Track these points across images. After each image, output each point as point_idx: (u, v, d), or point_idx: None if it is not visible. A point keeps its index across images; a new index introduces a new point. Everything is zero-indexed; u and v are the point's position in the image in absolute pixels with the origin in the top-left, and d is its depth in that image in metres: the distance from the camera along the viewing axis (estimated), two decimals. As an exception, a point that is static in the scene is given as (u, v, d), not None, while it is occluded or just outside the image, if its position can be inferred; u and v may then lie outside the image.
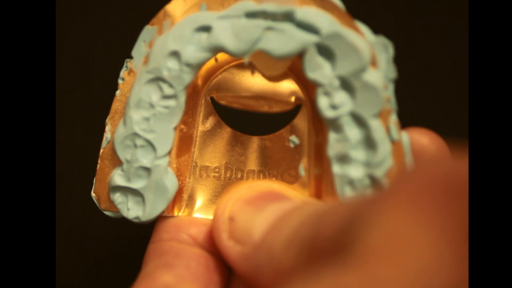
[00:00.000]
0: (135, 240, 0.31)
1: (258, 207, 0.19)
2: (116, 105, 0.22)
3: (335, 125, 0.20)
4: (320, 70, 0.20)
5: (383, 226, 0.13)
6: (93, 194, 0.22)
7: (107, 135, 0.22)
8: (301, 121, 0.22)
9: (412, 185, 0.14)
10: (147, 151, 0.21)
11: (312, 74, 0.20)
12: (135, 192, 0.21)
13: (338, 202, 0.18)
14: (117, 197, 0.21)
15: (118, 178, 0.21)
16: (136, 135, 0.21)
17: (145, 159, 0.21)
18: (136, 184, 0.21)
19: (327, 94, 0.20)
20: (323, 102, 0.20)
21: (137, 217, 0.21)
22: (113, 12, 0.37)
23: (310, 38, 0.20)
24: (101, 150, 0.22)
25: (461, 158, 0.14)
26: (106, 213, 0.22)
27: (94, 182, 0.22)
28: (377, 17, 0.21)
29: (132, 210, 0.21)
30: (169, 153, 0.21)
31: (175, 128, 0.21)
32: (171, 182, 0.21)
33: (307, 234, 0.16)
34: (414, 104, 0.23)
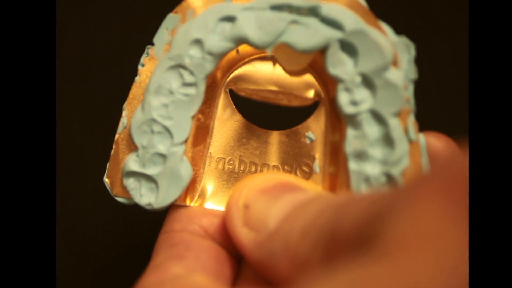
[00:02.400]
0: (135, 240, 0.32)
1: (273, 196, 0.18)
2: (134, 90, 0.22)
3: (354, 121, 0.20)
4: (342, 66, 0.20)
5: (412, 218, 0.13)
6: (105, 180, 0.22)
7: (123, 120, 0.22)
8: (318, 118, 0.22)
9: (442, 178, 0.13)
10: (164, 137, 0.21)
11: (333, 69, 0.20)
12: (149, 179, 0.21)
13: (357, 195, 0.18)
14: (130, 183, 0.21)
15: (132, 163, 0.21)
16: (153, 121, 0.21)
17: (161, 145, 0.21)
18: (151, 171, 0.21)
19: (348, 90, 0.20)
20: (343, 98, 0.20)
21: (149, 204, 0.21)
22: (113, 11, 0.37)
23: (334, 34, 0.20)
24: (117, 136, 0.22)
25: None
26: (118, 199, 0.22)
27: (107, 167, 0.22)
28: (396, 18, 0.22)
29: (145, 196, 0.21)
30: (186, 141, 0.21)
31: (193, 117, 0.21)
32: (186, 171, 0.21)
33: (326, 224, 0.16)
34: (420, 105, 0.23)
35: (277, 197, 0.18)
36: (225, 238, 0.20)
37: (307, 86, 0.22)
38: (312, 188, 0.20)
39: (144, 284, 0.19)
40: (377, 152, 0.20)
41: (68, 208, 0.32)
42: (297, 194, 0.18)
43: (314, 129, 0.22)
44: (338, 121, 0.21)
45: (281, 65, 0.22)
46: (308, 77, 0.22)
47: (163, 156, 0.21)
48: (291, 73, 0.22)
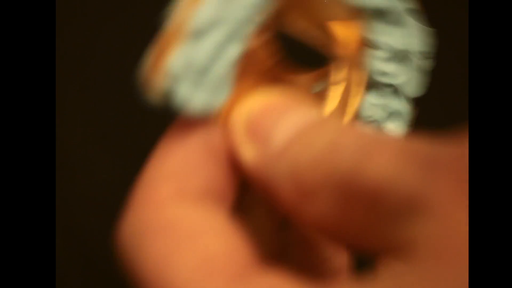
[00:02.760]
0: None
1: (282, 112, 0.17)
2: None
3: (378, 90, 0.20)
4: (385, 36, 0.20)
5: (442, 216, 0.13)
6: (142, 76, 0.19)
7: None
8: (337, 72, 0.21)
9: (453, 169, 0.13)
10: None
11: (375, 36, 0.20)
12: (195, 77, 0.19)
13: (379, 138, 0.16)
14: (174, 80, 0.19)
15: (181, 59, 0.19)
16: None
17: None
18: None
19: (385, 60, 0.20)
20: (377, 66, 0.20)
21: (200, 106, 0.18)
22: (114, 11, 0.37)
23: (392, 3, 0.20)
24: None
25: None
26: (153, 98, 0.19)
27: (147, 60, 0.19)
28: None
29: (188, 96, 0.18)
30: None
31: None
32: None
33: (343, 165, 0.14)
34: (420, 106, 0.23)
35: (286, 113, 0.17)
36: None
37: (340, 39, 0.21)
38: (322, 111, 0.18)
39: (159, 195, 0.17)
40: (391, 124, 0.20)
41: (68, 208, 0.32)
42: (308, 115, 0.16)
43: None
44: (360, 85, 0.21)
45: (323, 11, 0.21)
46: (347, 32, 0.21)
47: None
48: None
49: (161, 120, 0.23)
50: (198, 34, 0.19)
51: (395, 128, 0.20)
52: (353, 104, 0.21)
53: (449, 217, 0.13)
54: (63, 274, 0.30)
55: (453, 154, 0.14)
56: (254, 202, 0.19)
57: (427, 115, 0.33)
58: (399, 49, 0.20)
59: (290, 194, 0.15)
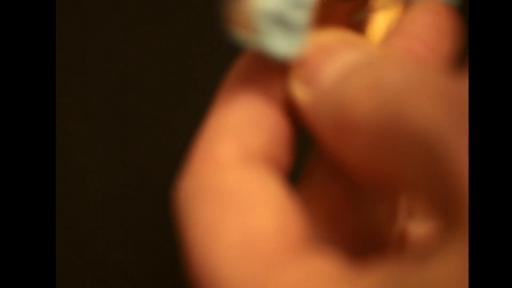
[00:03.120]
0: (136, 239, 0.32)
1: (330, 51, 0.17)
2: None
3: None
4: None
5: None
6: (228, 17, 0.18)
7: None
8: None
9: None
10: None
11: None
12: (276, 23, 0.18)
13: (429, 77, 0.15)
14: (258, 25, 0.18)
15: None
16: None
17: None
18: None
19: None
20: None
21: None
22: (114, 9, 0.37)
23: None
24: None
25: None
26: (238, 42, 0.18)
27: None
28: None
29: (269, 42, 0.18)
30: None
31: None
32: None
33: (386, 107, 0.14)
34: None
35: (333, 52, 0.17)
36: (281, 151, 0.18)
37: None
38: (368, 45, 0.18)
39: (221, 155, 0.16)
40: None
41: (68, 208, 0.32)
42: (358, 54, 0.17)
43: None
44: None
45: None
46: None
47: None
48: None
49: (161, 120, 0.23)
50: None
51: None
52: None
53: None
54: (63, 274, 0.30)
55: None
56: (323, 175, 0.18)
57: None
58: None
59: (334, 131, 0.15)
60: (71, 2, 0.37)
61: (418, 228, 0.18)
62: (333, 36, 0.18)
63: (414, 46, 0.19)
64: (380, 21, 0.20)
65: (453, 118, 0.14)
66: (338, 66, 0.16)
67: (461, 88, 0.15)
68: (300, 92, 0.17)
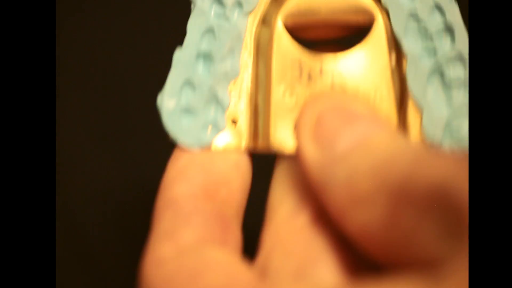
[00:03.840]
0: (136, 239, 0.31)
1: (349, 119, 0.18)
2: None
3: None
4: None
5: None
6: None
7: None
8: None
9: None
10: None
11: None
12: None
13: (435, 151, 0.17)
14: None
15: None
16: None
17: None
18: None
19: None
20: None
21: None
22: (113, 10, 0.37)
23: None
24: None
25: None
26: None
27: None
28: None
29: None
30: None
31: None
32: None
33: (399, 171, 0.15)
34: None
35: (352, 121, 0.17)
36: (228, 194, 0.20)
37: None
38: (388, 124, 0.19)
39: (162, 254, 0.18)
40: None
41: (68, 208, 0.32)
42: (373, 126, 0.17)
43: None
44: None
45: None
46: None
47: None
48: None
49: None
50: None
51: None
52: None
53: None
54: (63, 274, 0.30)
55: None
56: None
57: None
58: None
59: (344, 199, 0.16)
60: (71, 2, 0.37)
61: None
62: (351, 101, 0.18)
63: None
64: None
65: (457, 167, 0.15)
66: (354, 134, 0.17)
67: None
68: (312, 150, 0.17)
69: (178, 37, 0.23)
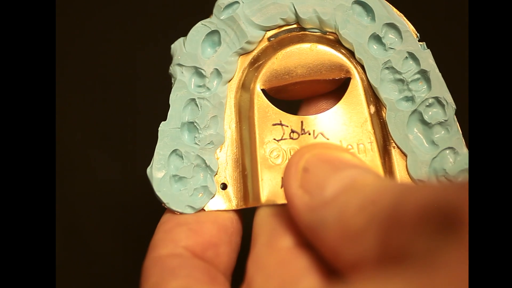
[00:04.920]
0: (136, 239, 0.31)
1: (335, 166, 0.18)
2: None
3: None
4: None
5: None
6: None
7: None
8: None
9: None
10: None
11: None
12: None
13: (419, 183, 0.18)
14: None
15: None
16: None
17: None
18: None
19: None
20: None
21: None
22: (114, 10, 0.37)
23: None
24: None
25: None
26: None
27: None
28: None
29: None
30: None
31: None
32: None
33: (386, 202, 0.16)
34: None
35: (339, 168, 0.18)
36: (215, 256, 0.21)
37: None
38: (373, 169, 0.20)
39: None
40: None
41: (68, 208, 0.32)
42: (359, 171, 0.18)
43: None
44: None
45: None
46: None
47: None
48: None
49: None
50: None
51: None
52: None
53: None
54: (63, 274, 0.30)
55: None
56: None
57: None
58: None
59: (336, 237, 0.17)
60: (71, 2, 0.37)
61: None
62: (334, 149, 0.19)
63: None
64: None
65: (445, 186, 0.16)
66: (341, 179, 0.18)
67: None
68: (301, 197, 0.18)
69: (179, 37, 0.23)
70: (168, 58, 0.23)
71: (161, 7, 0.37)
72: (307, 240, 0.18)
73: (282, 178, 0.20)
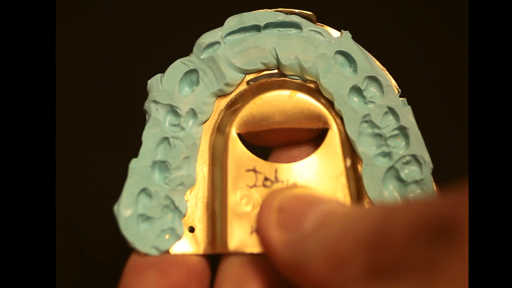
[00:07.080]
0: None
1: (310, 202, 0.18)
2: None
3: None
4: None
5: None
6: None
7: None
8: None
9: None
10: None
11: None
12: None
13: (403, 203, 0.18)
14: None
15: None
16: None
17: None
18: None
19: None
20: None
21: None
22: (114, 11, 0.37)
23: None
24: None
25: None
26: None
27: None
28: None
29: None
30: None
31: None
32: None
33: (371, 224, 0.16)
34: (421, 107, 0.23)
35: (314, 203, 0.18)
36: None
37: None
38: (347, 203, 0.20)
39: None
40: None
41: (68, 208, 0.32)
42: (335, 204, 0.18)
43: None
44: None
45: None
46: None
47: None
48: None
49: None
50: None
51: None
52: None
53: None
54: (63, 274, 0.30)
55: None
56: None
57: (427, 121, 0.33)
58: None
59: (323, 267, 0.16)
60: (71, 2, 0.37)
61: None
62: (306, 189, 0.20)
63: None
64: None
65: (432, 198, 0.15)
66: (318, 213, 0.18)
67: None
68: (279, 236, 0.18)
69: (179, 37, 0.23)
70: (171, 57, 0.23)
71: (162, 7, 0.37)
72: (287, 283, 0.18)
73: (257, 222, 0.20)
